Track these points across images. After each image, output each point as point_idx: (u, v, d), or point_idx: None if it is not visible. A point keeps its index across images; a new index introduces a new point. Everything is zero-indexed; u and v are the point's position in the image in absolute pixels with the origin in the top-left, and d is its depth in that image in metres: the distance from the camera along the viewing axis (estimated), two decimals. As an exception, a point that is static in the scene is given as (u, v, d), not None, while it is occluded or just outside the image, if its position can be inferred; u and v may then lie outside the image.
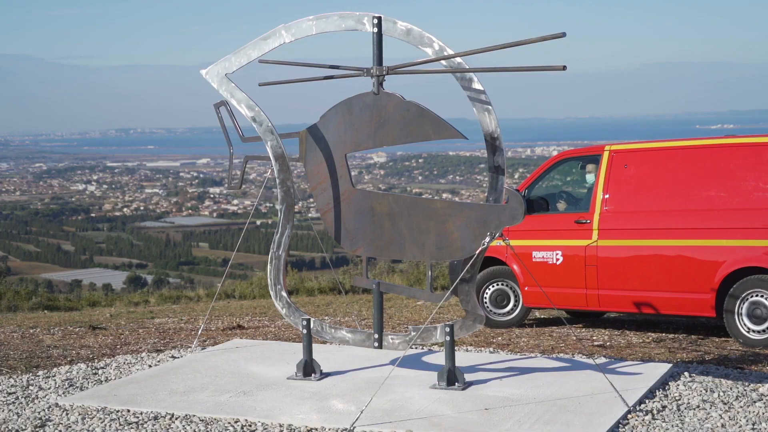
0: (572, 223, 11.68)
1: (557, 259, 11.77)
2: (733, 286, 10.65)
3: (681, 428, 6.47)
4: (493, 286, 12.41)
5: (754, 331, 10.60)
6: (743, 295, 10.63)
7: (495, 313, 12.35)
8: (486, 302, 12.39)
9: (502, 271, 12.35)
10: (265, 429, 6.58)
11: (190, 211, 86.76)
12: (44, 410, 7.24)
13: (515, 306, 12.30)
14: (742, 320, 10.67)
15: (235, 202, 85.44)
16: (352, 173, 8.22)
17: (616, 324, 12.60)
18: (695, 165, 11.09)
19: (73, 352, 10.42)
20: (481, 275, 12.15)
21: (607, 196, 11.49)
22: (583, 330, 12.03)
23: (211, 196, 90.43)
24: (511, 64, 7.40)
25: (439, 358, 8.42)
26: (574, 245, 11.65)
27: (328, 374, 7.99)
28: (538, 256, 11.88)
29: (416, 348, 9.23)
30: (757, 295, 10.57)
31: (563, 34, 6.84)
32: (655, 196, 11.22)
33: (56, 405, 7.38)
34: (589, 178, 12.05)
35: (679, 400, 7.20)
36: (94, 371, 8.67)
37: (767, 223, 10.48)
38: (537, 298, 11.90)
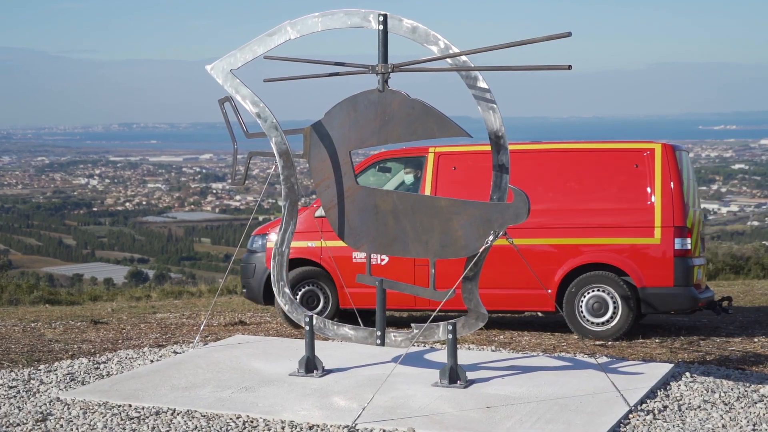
0: None
1: (382, 259, 11.66)
2: (573, 282, 11.21)
3: (682, 428, 6.47)
4: (304, 287, 12.03)
5: (593, 323, 11.16)
6: (583, 290, 11.19)
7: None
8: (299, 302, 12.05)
9: (314, 272, 12.04)
10: (267, 425, 6.59)
11: (192, 206, 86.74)
12: (45, 404, 7.25)
13: (324, 308, 11.96)
14: (582, 314, 11.19)
15: (238, 197, 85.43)
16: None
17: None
18: (527, 168, 11.36)
19: (75, 346, 10.43)
20: (294, 276, 11.87)
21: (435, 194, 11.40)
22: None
23: (214, 191, 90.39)
24: (516, 63, 7.40)
25: (441, 356, 8.42)
26: None
27: (330, 371, 7.99)
28: (359, 256, 11.63)
29: (418, 346, 9.24)
30: (597, 290, 11.15)
31: (569, 34, 6.84)
32: (488, 196, 11.30)
33: (57, 399, 7.39)
34: (407, 179, 12.01)
35: (681, 400, 7.20)
36: (95, 366, 8.68)
37: (607, 223, 11.12)
38: (357, 299, 11.30)
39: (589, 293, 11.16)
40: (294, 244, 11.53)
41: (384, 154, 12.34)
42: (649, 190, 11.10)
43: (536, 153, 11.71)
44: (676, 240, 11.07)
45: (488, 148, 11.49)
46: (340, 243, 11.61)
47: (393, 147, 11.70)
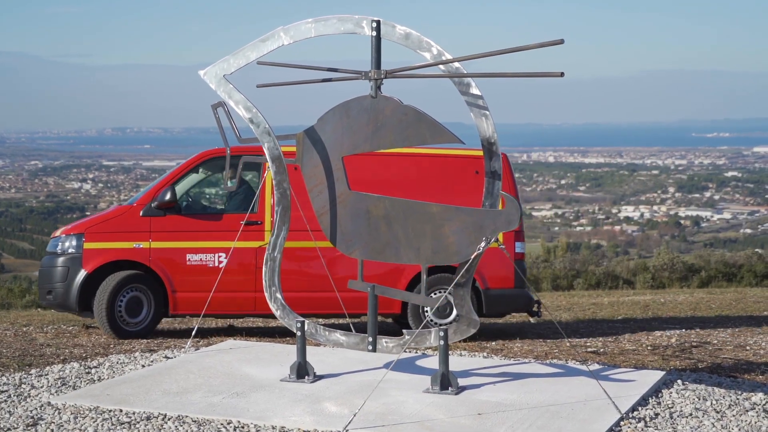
0: (239, 224, 11.17)
1: (220, 262, 11.44)
2: (418, 285, 11.00)
3: (673, 436, 6.48)
4: (129, 293, 11.41)
5: (439, 324, 11.19)
6: (429, 292, 11.04)
7: (128, 322, 11.41)
8: (121, 310, 11.37)
9: (139, 276, 11.45)
10: (258, 431, 6.58)
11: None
12: (36, 409, 7.23)
13: (148, 314, 11.47)
14: (427, 314, 11.34)
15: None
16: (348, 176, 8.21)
17: (609, 331, 12.61)
18: (371, 172, 11.44)
19: (66, 350, 10.41)
20: (117, 280, 11.28)
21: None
22: (577, 336, 12.04)
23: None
24: (509, 70, 7.41)
25: (432, 362, 8.42)
26: (242, 247, 11.33)
27: (321, 377, 7.99)
28: (194, 258, 11.43)
29: (410, 352, 9.23)
30: (441, 291, 11.12)
31: (561, 41, 6.85)
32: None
33: (48, 404, 7.37)
34: (231, 181, 11.62)
35: (672, 407, 7.21)
36: (87, 370, 8.66)
37: None
38: (190, 305, 11.35)
39: (434, 294, 11.04)
40: (117, 245, 11.47)
41: (213, 152, 11.97)
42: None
43: (380, 157, 11.63)
44: (517, 243, 11.61)
45: None
46: (169, 243, 11.49)
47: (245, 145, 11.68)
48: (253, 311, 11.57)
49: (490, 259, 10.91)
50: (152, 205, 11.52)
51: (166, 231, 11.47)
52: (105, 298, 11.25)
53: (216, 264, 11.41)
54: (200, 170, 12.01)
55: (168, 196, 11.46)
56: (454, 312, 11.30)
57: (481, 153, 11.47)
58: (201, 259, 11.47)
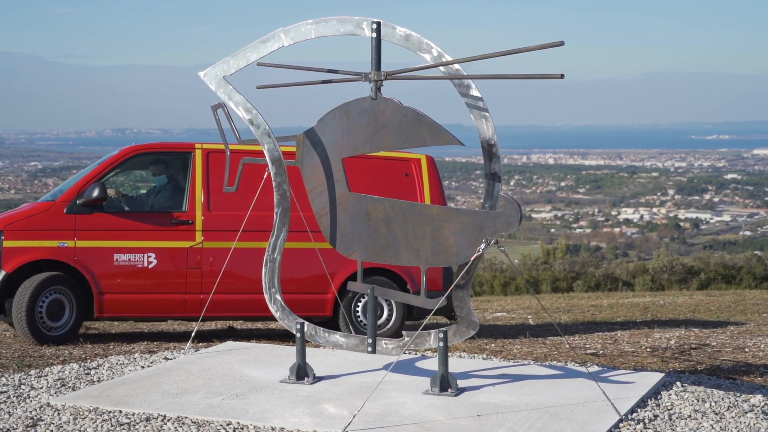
0: (169, 223, 11.10)
1: (150, 262, 11.09)
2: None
3: (673, 438, 6.48)
4: (50, 295, 10.84)
5: (364, 324, 11.31)
6: (359, 295, 11.21)
7: (50, 326, 10.88)
8: (42, 314, 10.82)
9: (60, 277, 10.89)
10: (257, 432, 6.58)
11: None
12: (36, 410, 7.23)
13: (70, 317, 10.92)
14: (359, 318, 11.38)
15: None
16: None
17: (609, 333, 12.62)
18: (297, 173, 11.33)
19: (66, 351, 10.41)
20: (39, 281, 10.75)
21: (209, 195, 11.23)
22: (577, 338, 12.05)
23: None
24: (509, 71, 7.41)
25: (432, 363, 8.43)
26: (173, 247, 11.11)
27: (320, 378, 7.99)
28: (122, 258, 11.00)
29: (410, 353, 9.24)
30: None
31: (562, 43, 6.85)
32: (269, 197, 11.16)
33: (48, 405, 7.38)
34: (157, 179, 11.58)
35: (671, 409, 7.21)
36: (86, 371, 8.66)
37: None
38: (117, 307, 10.98)
39: (365, 297, 11.18)
40: (40, 243, 10.97)
41: (142, 147, 11.65)
42: (418, 198, 11.50)
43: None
44: None
45: (261, 147, 11.38)
46: (95, 242, 10.99)
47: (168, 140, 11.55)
48: (183, 314, 11.22)
49: None
50: (78, 202, 11.02)
51: (92, 229, 11.00)
52: (25, 300, 10.70)
53: (145, 264, 11.05)
54: (126, 166, 11.61)
55: (96, 193, 10.92)
56: (386, 313, 11.47)
57: (406, 155, 11.64)
58: (129, 259, 11.07)
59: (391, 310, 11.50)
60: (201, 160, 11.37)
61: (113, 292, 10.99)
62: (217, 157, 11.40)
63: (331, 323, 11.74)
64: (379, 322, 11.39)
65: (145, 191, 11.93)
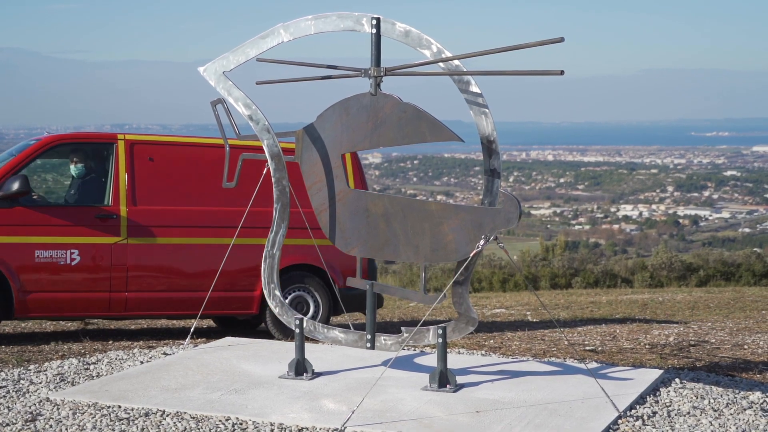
0: (93, 218, 10.59)
1: (72, 259, 10.52)
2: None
3: (671, 434, 6.48)
4: None
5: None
6: (285, 291, 11.08)
7: None
8: None
9: None
10: (256, 427, 6.58)
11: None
12: (35, 404, 7.23)
13: None
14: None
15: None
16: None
17: (608, 329, 12.62)
18: (200, 163, 11.17)
19: (65, 346, 10.42)
20: None
21: (134, 189, 10.77)
22: (575, 335, 12.05)
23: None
24: (509, 68, 7.41)
25: (431, 359, 8.43)
26: (96, 243, 10.58)
27: (319, 374, 7.99)
28: (44, 255, 10.40)
29: (408, 349, 9.24)
30: (298, 290, 11.29)
31: (562, 39, 6.86)
32: (195, 192, 11.04)
33: (47, 399, 7.38)
34: (74, 169, 10.96)
35: (670, 406, 7.21)
36: (85, 366, 8.66)
37: (310, 223, 10.53)
38: (40, 306, 10.42)
39: (291, 294, 11.19)
40: None
41: (60, 137, 11.12)
42: None
43: (210, 148, 11.28)
44: None
45: (188, 139, 11.18)
46: (14, 238, 10.41)
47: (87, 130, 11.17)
48: (108, 312, 10.78)
49: (344, 258, 10.78)
50: None
51: (11, 224, 10.34)
52: None
53: (68, 261, 10.47)
54: (44, 157, 11.12)
55: (17, 186, 10.27)
56: (312, 309, 11.30)
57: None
58: (51, 255, 10.49)
59: (317, 306, 11.33)
60: (124, 152, 10.86)
61: (34, 291, 10.38)
62: (142, 149, 10.96)
63: (249, 323, 11.78)
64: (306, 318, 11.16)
65: (68, 184, 11.34)
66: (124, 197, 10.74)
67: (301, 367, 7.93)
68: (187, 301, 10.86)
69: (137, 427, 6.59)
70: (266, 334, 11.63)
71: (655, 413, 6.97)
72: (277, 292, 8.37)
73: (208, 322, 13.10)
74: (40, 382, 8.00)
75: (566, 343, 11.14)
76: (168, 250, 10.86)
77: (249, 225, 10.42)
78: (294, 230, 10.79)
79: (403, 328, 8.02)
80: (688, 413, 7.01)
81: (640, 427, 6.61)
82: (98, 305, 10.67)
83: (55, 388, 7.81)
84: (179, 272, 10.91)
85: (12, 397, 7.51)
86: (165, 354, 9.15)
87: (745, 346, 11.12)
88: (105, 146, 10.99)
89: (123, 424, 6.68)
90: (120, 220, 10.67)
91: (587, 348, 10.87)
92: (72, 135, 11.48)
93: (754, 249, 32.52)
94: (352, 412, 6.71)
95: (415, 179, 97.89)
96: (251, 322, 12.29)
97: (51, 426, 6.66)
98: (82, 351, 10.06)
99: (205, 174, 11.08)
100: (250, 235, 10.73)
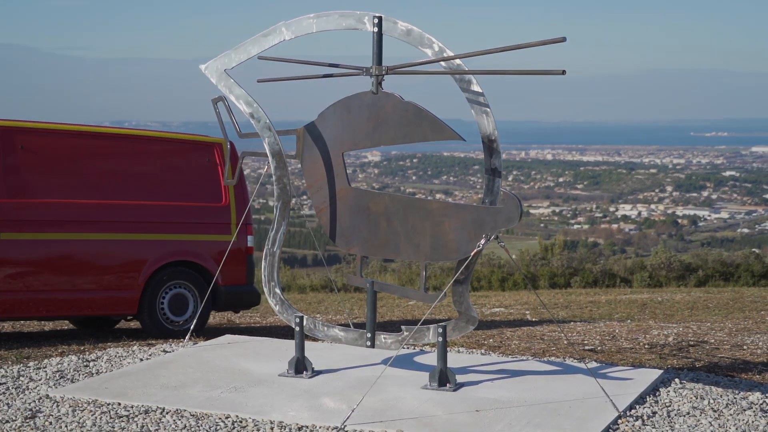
0: None
1: None
2: (155, 280, 10.68)
3: (671, 435, 6.49)
4: None
5: (174, 322, 10.87)
6: (163, 289, 10.77)
7: None
8: None
9: None
10: (256, 425, 6.58)
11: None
12: (35, 401, 7.24)
13: None
14: (165, 314, 10.82)
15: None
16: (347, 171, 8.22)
17: (607, 329, 12.62)
18: (116, 155, 10.83)
19: (65, 344, 10.41)
20: None
21: (5, 180, 9.95)
22: (575, 334, 12.05)
23: None
24: (510, 67, 7.41)
25: (431, 358, 8.43)
26: None
27: (319, 372, 7.99)
28: None
29: (408, 348, 9.24)
30: (178, 288, 10.89)
31: (563, 39, 6.86)
32: (70, 184, 10.41)
33: (47, 396, 7.38)
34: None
35: (670, 406, 7.22)
36: (85, 363, 8.66)
37: (189, 219, 10.83)
38: None
39: (169, 292, 10.85)
40: None
41: None
42: (222, 186, 11.16)
43: (101, 139, 10.89)
44: (249, 237, 11.30)
45: (65, 127, 10.70)
46: None
47: None
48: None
49: (224, 254, 10.40)
50: None
51: None
52: None
53: None
54: None
55: None
56: (191, 307, 10.99)
57: (208, 140, 11.20)
58: None
59: (195, 304, 10.97)
60: None
61: None
62: (13, 136, 10.11)
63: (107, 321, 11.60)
64: (185, 316, 10.96)
65: None
66: None
67: (300, 366, 7.93)
68: (61, 303, 10.28)
69: (137, 425, 6.60)
70: (266, 332, 11.63)
71: (654, 413, 6.98)
72: (278, 290, 8.37)
73: (208, 320, 13.09)
74: (40, 379, 8.00)
75: (565, 342, 11.14)
76: (40, 246, 10.13)
77: (130, 219, 10.43)
78: (173, 225, 10.80)
79: (403, 327, 8.02)
80: (688, 413, 7.02)
81: (639, 427, 6.61)
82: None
83: (54, 385, 7.81)
84: (53, 270, 10.19)
85: (12, 394, 7.51)
86: (165, 351, 9.15)
87: (744, 347, 11.12)
88: None
89: (123, 421, 6.68)
90: None
91: (586, 347, 10.87)
92: None
93: (753, 249, 32.53)
94: (352, 411, 6.71)
95: (414, 178, 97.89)
96: (108, 321, 12.01)
97: (51, 423, 6.66)
98: (82, 348, 10.05)
99: (84, 164, 10.60)
100: (132, 231, 10.56)
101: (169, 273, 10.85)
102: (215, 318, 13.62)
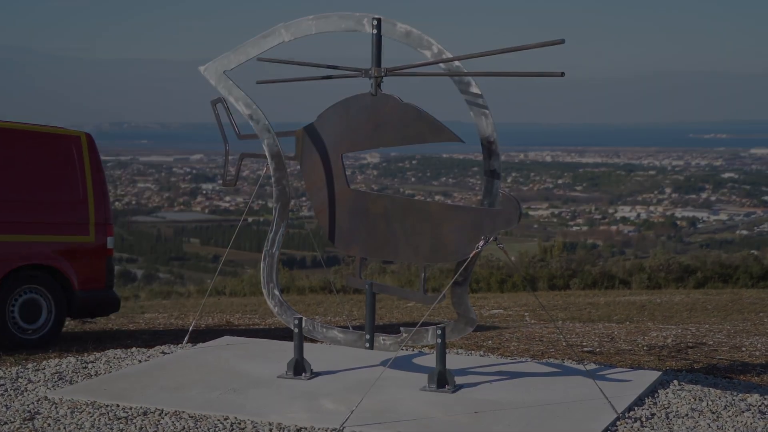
0: None
1: None
2: (3, 286, 9.95)
3: (669, 436, 6.49)
4: None
5: (26, 330, 10.14)
6: (14, 295, 10.03)
7: None
8: None
9: None
10: (255, 427, 6.58)
11: (182, 206, 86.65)
12: (33, 403, 7.23)
13: None
14: (15, 321, 10.07)
15: (228, 198, 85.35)
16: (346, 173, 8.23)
17: (605, 331, 12.62)
18: None
19: (63, 345, 10.40)
20: None
21: None
22: (573, 336, 12.05)
23: (204, 192, 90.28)
24: (509, 69, 7.42)
25: (429, 360, 8.43)
26: None
27: (318, 374, 7.99)
28: None
29: (407, 350, 9.24)
30: (30, 293, 10.17)
31: (562, 41, 6.86)
32: None
33: (45, 398, 7.38)
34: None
35: (668, 408, 7.22)
36: (83, 365, 8.66)
37: (43, 218, 10.17)
38: None
39: (20, 297, 10.10)
40: None
41: None
42: (80, 183, 10.48)
43: None
44: (109, 239, 10.67)
45: None
46: None
47: None
48: None
49: (82, 256, 10.27)
50: None
51: None
52: None
53: None
54: None
55: None
56: (44, 314, 10.26)
57: (64, 132, 10.62)
58: None
59: (50, 311, 10.29)
60: None
61: None
62: None
63: None
64: (38, 323, 10.25)
65: None
66: None
67: (299, 367, 7.93)
68: None
69: (135, 426, 6.59)
70: (265, 334, 11.63)
71: (653, 415, 6.98)
72: (276, 292, 8.37)
73: (207, 322, 13.10)
74: (38, 381, 8.00)
75: (564, 344, 11.14)
76: None
77: None
78: (24, 225, 10.03)
79: (402, 329, 8.02)
80: (687, 415, 7.02)
81: (638, 429, 6.61)
82: None
83: (53, 386, 7.80)
84: None
85: (10, 395, 7.50)
86: (163, 353, 9.15)
87: (743, 348, 11.12)
88: None
89: (121, 422, 6.67)
90: None
91: (585, 349, 10.86)
92: None
93: (752, 251, 32.52)
94: (351, 412, 6.71)
95: (413, 179, 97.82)
96: None
97: (49, 424, 6.65)
98: (80, 349, 10.05)
99: None
100: None
101: (21, 276, 10.11)
102: (214, 319, 13.61)
